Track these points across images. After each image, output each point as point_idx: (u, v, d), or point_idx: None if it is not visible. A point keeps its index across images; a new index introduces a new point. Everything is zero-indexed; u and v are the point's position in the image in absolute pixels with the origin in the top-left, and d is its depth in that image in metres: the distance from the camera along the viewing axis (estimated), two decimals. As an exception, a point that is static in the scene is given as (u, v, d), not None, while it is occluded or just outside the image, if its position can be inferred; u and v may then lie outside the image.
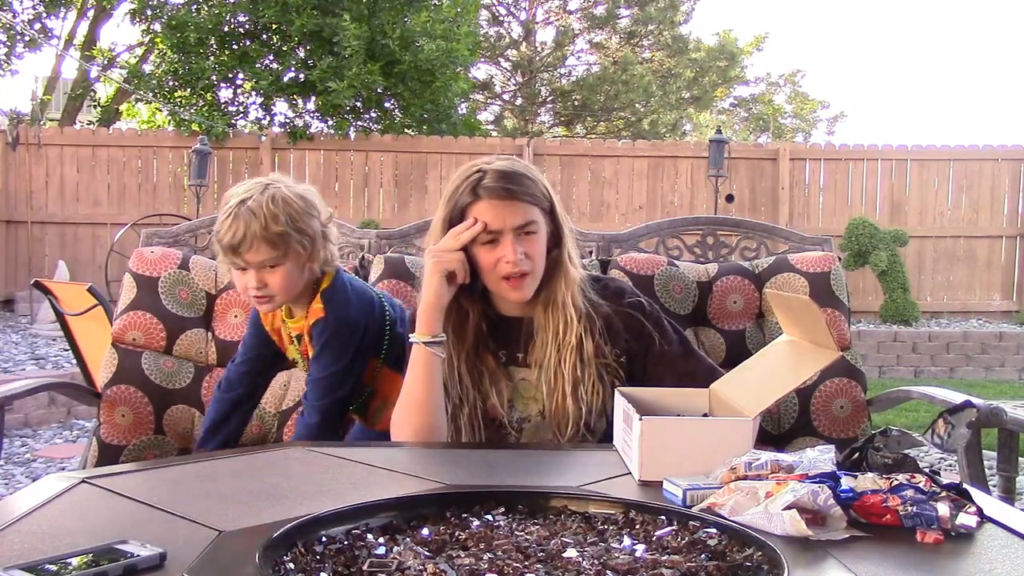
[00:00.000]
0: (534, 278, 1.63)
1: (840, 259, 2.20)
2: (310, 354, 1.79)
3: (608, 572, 0.86)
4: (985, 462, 1.79)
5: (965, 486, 1.07)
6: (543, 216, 1.64)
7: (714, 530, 0.96)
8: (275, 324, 1.87)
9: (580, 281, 1.69)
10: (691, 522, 0.99)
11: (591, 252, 2.30)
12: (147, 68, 10.75)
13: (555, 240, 1.67)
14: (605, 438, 1.64)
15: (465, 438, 1.64)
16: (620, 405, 1.40)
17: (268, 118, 10.39)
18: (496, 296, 1.68)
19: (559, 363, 1.64)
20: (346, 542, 0.92)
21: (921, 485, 1.06)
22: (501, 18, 16.70)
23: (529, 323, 1.69)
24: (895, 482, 1.06)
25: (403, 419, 1.61)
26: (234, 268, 1.72)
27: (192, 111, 9.75)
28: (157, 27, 10.05)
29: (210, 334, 2.11)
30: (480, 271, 1.63)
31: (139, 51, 11.74)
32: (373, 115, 10.49)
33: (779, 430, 2.02)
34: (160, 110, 11.28)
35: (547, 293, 1.66)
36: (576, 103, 16.72)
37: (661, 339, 1.70)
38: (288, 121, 10.10)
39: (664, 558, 0.89)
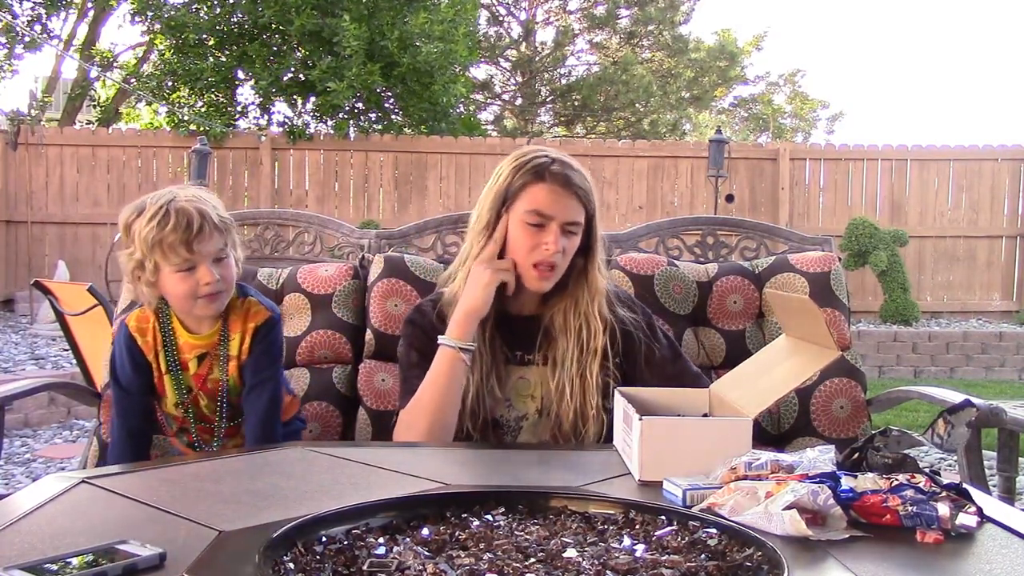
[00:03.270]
0: (557, 275, 1.64)
1: (840, 259, 2.19)
2: (214, 374, 1.69)
3: (608, 572, 0.86)
4: (985, 462, 1.79)
5: (965, 486, 1.07)
6: (584, 221, 1.64)
7: (714, 530, 0.96)
8: (156, 346, 1.69)
9: (606, 292, 1.70)
10: (691, 522, 0.99)
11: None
12: (147, 69, 10.74)
13: (586, 248, 1.67)
14: (605, 439, 1.64)
15: (462, 431, 1.64)
16: (620, 405, 1.40)
17: (266, 118, 10.39)
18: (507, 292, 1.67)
19: (583, 369, 1.64)
20: (346, 542, 0.92)
21: (921, 485, 1.06)
22: (501, 18, 16.70)
23: (534, 323, 1.68)
24: (895, 482, 1.06)
25: (419, 416, 1.60)
26: (176, 271, 1.59)
27: (191, 112, 9.74)
28: (157, 27, 10.04)
29: (210, 334, 2.11)
30: (513, 250, 1.62)
31: (139, 51, 11.74)
32: (373, 116, 10.48)
33: (779, 430, 2.02)
34: (158, 112, 11.26)
35: (571, 299, 1.66)
36: (576, 103, 16.71)
37: (653, 342, 1.72)
38: (287, 121, 10.10)
39: (664, 558, 0.89)
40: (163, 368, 1.69)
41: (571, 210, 1.61)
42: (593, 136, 16.85)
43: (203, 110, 9.84)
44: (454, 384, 1.59)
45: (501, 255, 1.64)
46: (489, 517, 1.01)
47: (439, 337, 1.62)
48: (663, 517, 1.01)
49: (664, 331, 1.78)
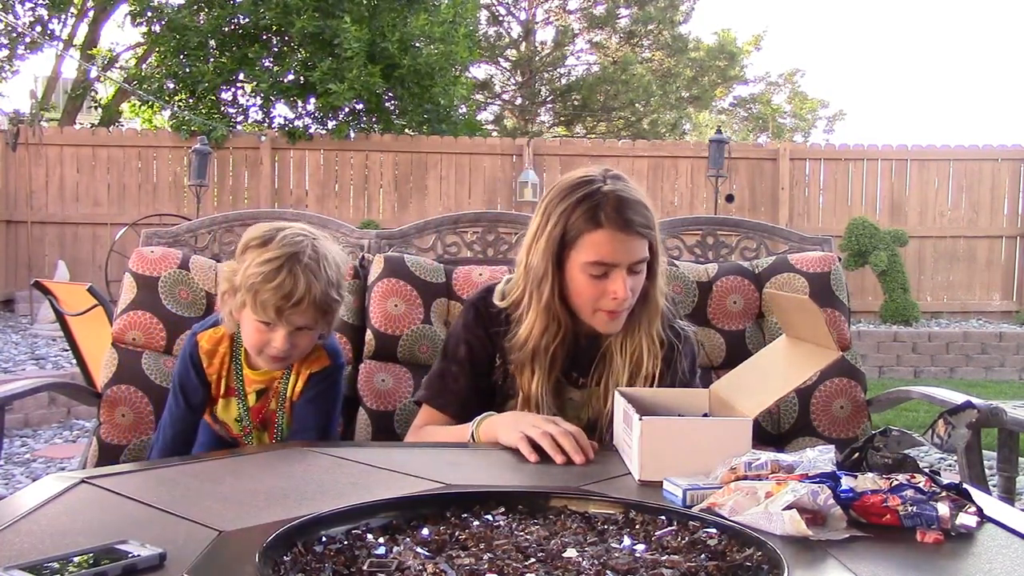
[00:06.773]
0: (626, 314, 1.57)
1: (840, 259, 2.19)
2: (271, 408, 1.70)
3: (608, 572, 0.86)
4: (985, 462, 1.78)
5: (965, 486, 1.07)
6: (648, 250, 1.56)
7: (714, 530, 0.96)
8: (221, 371, 1.68)
9: (665, 311, 1.64)
10: (691, 522, 0.99)
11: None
12: (147, 70, 10.72)
13: (649, 270, 1.59)
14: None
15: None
16: (620, 405, 1.40)
17: (267, 121, 10.38)
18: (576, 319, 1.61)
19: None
20: (346, 542, 0.92)
21: (921, 485, 1.06)
22: (501, 18, 16.70)
23: (595, 345, 1.63)
24: (895, 482, 1.06)
25: None
26: (257, 321, 1.55)
27: (192, 114, 9.73)
28: (157, 29, 10.03)
29: (210, 334, 2.11)
30: (577, 298, 1.55)
31: (139, 52, 11.73)
32: (373, 118, 10.47)
33: (779, 430, 2.02)
34: (158, 114, 11.22)
35: (633, 322, 1.59)
36: (576, 103, 16.71)
37: (684, 380, 1.68)
38: (287, 123, 10.09)
39: (664, 558, 0.89)
40: (224, 390, 1.69)
41: (635, 251, 1.51)
42: (593, 136, 16.86)
43: (203, 113, 9.83)
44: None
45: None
46: (489, 517, 1.01)
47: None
48: (663, 517, 1.01)
49: (698, 374, 1.74)
